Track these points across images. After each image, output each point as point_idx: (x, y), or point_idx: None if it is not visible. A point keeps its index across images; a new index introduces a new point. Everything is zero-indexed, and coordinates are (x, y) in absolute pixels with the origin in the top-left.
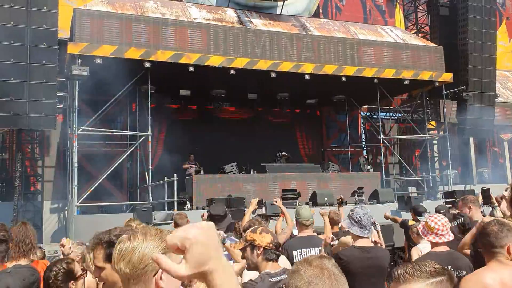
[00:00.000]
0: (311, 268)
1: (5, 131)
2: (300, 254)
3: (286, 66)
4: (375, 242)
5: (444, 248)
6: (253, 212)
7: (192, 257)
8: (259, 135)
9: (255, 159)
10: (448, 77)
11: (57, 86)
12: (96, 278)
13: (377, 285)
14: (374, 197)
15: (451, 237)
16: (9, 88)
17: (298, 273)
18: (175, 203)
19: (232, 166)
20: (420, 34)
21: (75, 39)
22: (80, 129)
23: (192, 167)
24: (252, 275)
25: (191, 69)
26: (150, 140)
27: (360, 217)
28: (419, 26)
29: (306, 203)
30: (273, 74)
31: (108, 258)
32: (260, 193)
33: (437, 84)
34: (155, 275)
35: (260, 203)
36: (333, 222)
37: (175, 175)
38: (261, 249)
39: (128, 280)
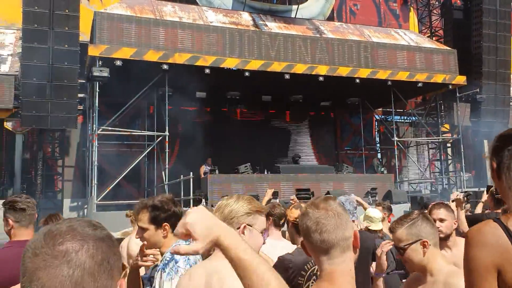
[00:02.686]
0: (318, 210)
1: (27, 131)
2: None
3: (300, 68)
4: None
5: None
6: (268, 202)
7: (197, 235)
8: (273, 137)
9: (269, 160)
10: (461, 80)
11: (78, 87)
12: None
13: (363, 265)
14: (387, 197)
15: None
16: (32, 88)
17: (307, 215)
18: (191, 201)
19: (246, 166)
20: (434, 38)
21: (96, 41)
22: (100, 129)
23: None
24: (280, 246)
25: (207, 71)
26: (167, 140)
27: (342, 203)
28: (433, 30)
29: None
30: (287, 76)
31: (152, 220)
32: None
33: (450, 87)
34: (238, 228)
35: (275, 194)
36: None
37: (191, 173)
38: (290, 223)
39: None
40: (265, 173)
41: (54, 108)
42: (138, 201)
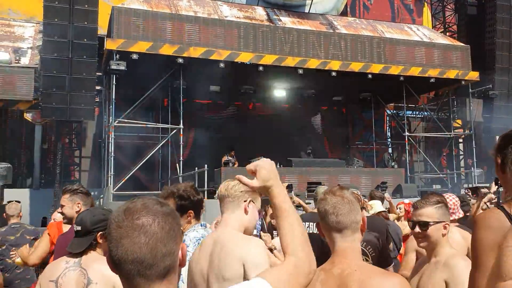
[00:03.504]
0: (335, 196)
1: (46, 122)
2: (307, 227)
3: (313, 63)
4: None
5: (455, 224)
6: None
7: (260, 177)
8: (285, 131)
9: (282, 153)
10: (474, 75)
11: (96, 80)
12: None
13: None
14: (398, 191)
15: (461, 214)
16: (52, 81)
17: (325, 200)
18: (205, 193)
19: (259, 159)
20: (447, 33)
21: (113, 35)
22: (117, 121)
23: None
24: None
25: (221, 65)
26: (181, 132)
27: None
28: (446, 25)
29: None
30: (300, 71)
31: (179, 208)
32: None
33: (463, 82)
34: (245, 201)
35: (289, 188)
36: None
37: (206, 165)
38: None
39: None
40: (278, 166)
41: (73, 101)
42: (151, 192)
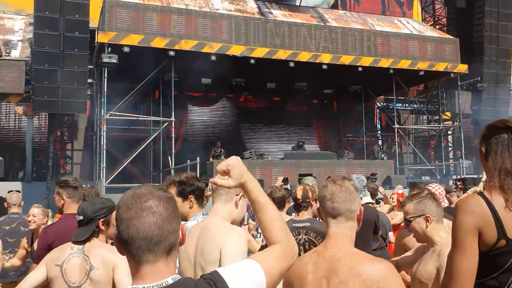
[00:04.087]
0: (334, 185)
1: (37, 115)
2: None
3: (305, 56)
4: None
5: None
6: None
7: (233, 174)
8: (277, 124)
9: (273, 146)
10: (463, 68)
11: (88, 73)
12: None
13: (365, 235)
14: (387, 183)
15: (446, 204)
16: (44, 74)
17: (326, 187)
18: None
19: (250, 152)
20: (437, 26)
21: (105, 28)
22: (108, 114)
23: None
24: None
25: (213, 58)
26: (173, 125)
27: (353, 180)
28: (436, 18)
29: None
30: (291, 64)
31: (180, 193)
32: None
33: (452, 75)
34: (237, 195)
35: (285, 181)
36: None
37: (198, 158)
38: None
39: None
40: (269, 159)
41: (65, 94)
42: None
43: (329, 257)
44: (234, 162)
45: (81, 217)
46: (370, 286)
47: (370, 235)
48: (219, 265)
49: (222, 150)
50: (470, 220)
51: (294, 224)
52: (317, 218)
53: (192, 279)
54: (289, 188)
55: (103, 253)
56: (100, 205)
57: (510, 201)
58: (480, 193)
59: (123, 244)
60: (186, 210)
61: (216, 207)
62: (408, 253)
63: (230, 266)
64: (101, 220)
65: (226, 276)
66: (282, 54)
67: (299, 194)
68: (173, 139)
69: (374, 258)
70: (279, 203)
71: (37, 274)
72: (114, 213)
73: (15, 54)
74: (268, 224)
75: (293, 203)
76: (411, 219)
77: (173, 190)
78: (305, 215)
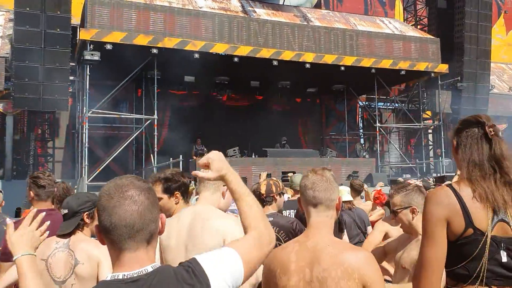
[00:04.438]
0: (315, 174)
1: (17, 112)
2: (289, 214)
3: (288, 55)
4: None
5: None
6: None
7: (213, 168)
8: (260, 122)
9: (257, 144)
10: (443, 68)
11: (69, 71)
12: None
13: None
14: (368, 180)
15: None
16: (25, 71)
17: (307, 177)
18: None
19: (234, 150)
20: (418, 26)
21: (87, 25)
22: (91, 111)
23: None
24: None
25: (196, 56)
26: (155, 123)
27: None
28: (417, 18)
29: None
30: (275, 63)
31: (166, 190)
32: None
33: (433, 75)
34: (224, 185)
35: (269, 176)
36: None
37: (180, 156)
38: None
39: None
40: (253, 156)
41: (46, 91)
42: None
43: (311, 246)
44: (214, 156)
45: (66, 211)
46: (351, 274)
47: (335, 233)
48: None
49: (204, 148)
50: (439, 210)
51: None
52: (282, 213)
53: (171, 267)
54: None
55: (88, 248)
56: (84, 198)
57: (477, 191)
58: (449, 185)
59: (105, 232)
60: (172, 206)
61: (204, 196)
62: (392, 240)
63: (209, 254)
64: (86, 213)
65: (205, 264)
66: (265, 53)
67: (262, 189)
68: (155, 137)
69: (354, 247)
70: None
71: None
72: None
73: None
74: (246, 211)
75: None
76: (398, 210)
77: (158, 188)
78: (269, 209)
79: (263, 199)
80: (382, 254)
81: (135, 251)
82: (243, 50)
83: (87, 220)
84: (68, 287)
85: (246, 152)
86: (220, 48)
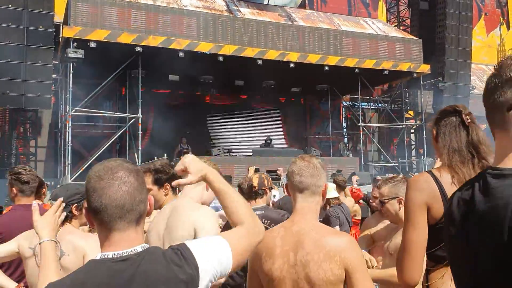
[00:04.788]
0: (303, 161)
1: None
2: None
3: (272, 54)
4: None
5: None
6: None
7: (192, 171)
8: (245, 121)
9: (241, 143)
10: (425, 68)
11: (53, 69)
12: None
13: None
14: (351, 179)
15: None
16: (7, 68)
17: (295, 163)
18: None
19: (219, 149)
20: (401, 27)
21: (70, 23)
22: (74, 110)
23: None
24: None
25: (181, 54)
26: (140, 122)
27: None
28: (400, 19)
29: None
30: (259, 62)
31: (156, 181)
32: (246, 174)
33: (415, 75)
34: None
35: (257, 171)
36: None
37: (165, 154)
38: None
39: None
40: (237, 155)
41: (28, 89)
42: None
43: (295, 231)
44: (189, 160)
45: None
46: (333, 257)
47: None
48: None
49: (189, 146)
50: (419, 196)
51: None
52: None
53: (160, 248)
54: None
55: (74, 240)
56: (74, 190)
57: (456, 177)
58: (429, 171)
59: (95, 213)
60: (161, 197)
61: (186, 189)
62: (381, 229)
63: (198, 240)
64: (75, 205)
65: (193, 248)
66: (250, 52)
67: (255, 182)
68: (139, 136)
69: (337, 232)
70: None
71: (7, 247)
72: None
73: None
74: (232, 208)
75: (248, 190)
76: (386, 200)
77: (149, 179)
78: (260, 203)
79: (256, 192)
80: (370, 241)
81: (125, 231)
82: (228, 49)
83: (75, 212)
84: None
85: (230, 151)
86: (205, 47)
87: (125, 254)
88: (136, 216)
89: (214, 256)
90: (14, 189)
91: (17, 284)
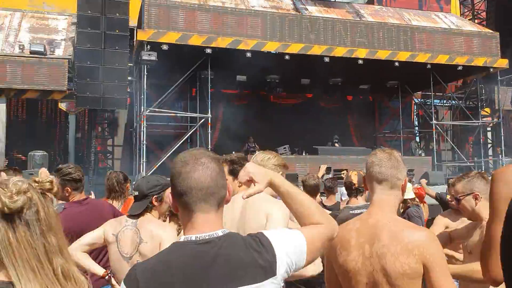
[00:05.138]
0: (383, 153)
1: (79, 111)
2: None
3: (340, 51)
4: None
5: None
6: (321, 177)
7: (258, 179)
8: (311, 120)
9: (308, 142)
10: (503, 63)
11: (128, 71)
12: None
13: None
14: (424, 179)
15: None
16: (86, 71)
17: (375, 154)
18: None
19: (284, 148)
20: (476, 20)
21: (144, 26)
22: (148, 110)
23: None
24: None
25: (248, 54)
26: (209, 122)
27: None
28: (475, 12)
29: None
30: (326, 59)
31: (231, 172)
32: (311, 173)
33: (491, 70)
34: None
35: (328, 170)
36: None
37: (233, 152)
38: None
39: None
40: (304, 155)
41: (106, 90)
42: None
43: (372, 223)
44: (252, 168)
45: (136, 193)
46: (411, 250)
47: None
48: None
49: (256, 145)
50: (506, 189)
51: (351, 211)
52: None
53: (239, 234)
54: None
55: (152, 228)
56: (154, 182)
57: None
58: None
59: (179, 196)
60: (235, 188)
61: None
62: (460, 227)
63: (275, 230)
64: (155, 196)
65: (271, 237)
66: (317, 50)
67: (354, 179)
68: (209, 134)
69: (416, 226)
70: (311, 191)
71: (95, 233)
72: (167, 191)
73: (58, 52)
74: (304, 211)
75: (348, 187)
76: (461, 197)
77: (225, 169)
78: (361, 200)
79: (357, 189)
80: (447, 239)
81: (207, 214)
82: (295, 48)
83: (155, 203)
84: (134, 263)
85: (296, 150)
86: (271, 46)
87: (207, 237)
88: (218, 200)
89: (291, 247)
90: (68, 188)
91: (104, 270)
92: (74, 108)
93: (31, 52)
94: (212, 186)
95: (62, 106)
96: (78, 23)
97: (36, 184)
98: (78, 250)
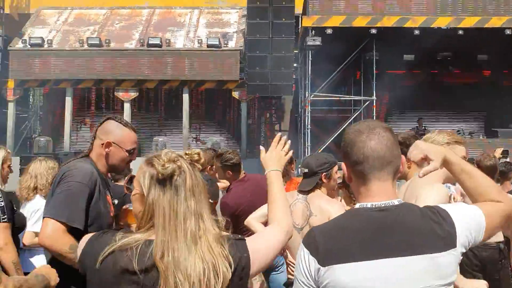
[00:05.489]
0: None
1: (250, 99)
2: None
3: None
4: None
5: None
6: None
7: (433, 157)
8: (490, 100)
9: (484, 123)
10: None
11: (293, 57)
12: None
13: None
14: None
15: None
16: (256, 60)
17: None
18: None
19: (459, 131)
20: None
21: (309, 13)
22: (312, 95)
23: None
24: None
25: (416, 32)
26: (374, 104)
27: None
28: None
29: None
30: (508, 32)
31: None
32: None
33: None
34: None
35: (505, 153)
36: None
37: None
38: None
39: None
40: (480, 137)
41: (273, 78)
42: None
43: None
44: (423, 146)
45: (306, 170)
46: None
47: None
48: None
49: (426, 128)
50: None
51: None
52: None
53: (415, 205)
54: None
55: (321, 203)
56: (322, 160)
57: None
58: None
59: (354, 165)
60: (405, 170)
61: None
62: None
63: (454, 204)
64: (324, 173)
65: (450, 210)
66: (496, 22)
67: None
68: (374, 118)
69: None
70: (487, 173)
71: (263, 210)
72: (335, 168)
73: (231, 44)
74: (480, 188)
75: None
76: None
77: None
78: None
79: None
80: None
81: (384, 182)
82: (469, 21)
83: (324, 180)
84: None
85: (472, 133)
86: (442, 21)
87: (383, 205)
88: (394, 170)
89: (470, 221)
90: (229, 171)
91: None
92: (245, 96)
93: (208, 46)
94: (389, 155)
95: (235, 94)
96: (248, 14)
97: (186, 156)
98: (255, 220)
